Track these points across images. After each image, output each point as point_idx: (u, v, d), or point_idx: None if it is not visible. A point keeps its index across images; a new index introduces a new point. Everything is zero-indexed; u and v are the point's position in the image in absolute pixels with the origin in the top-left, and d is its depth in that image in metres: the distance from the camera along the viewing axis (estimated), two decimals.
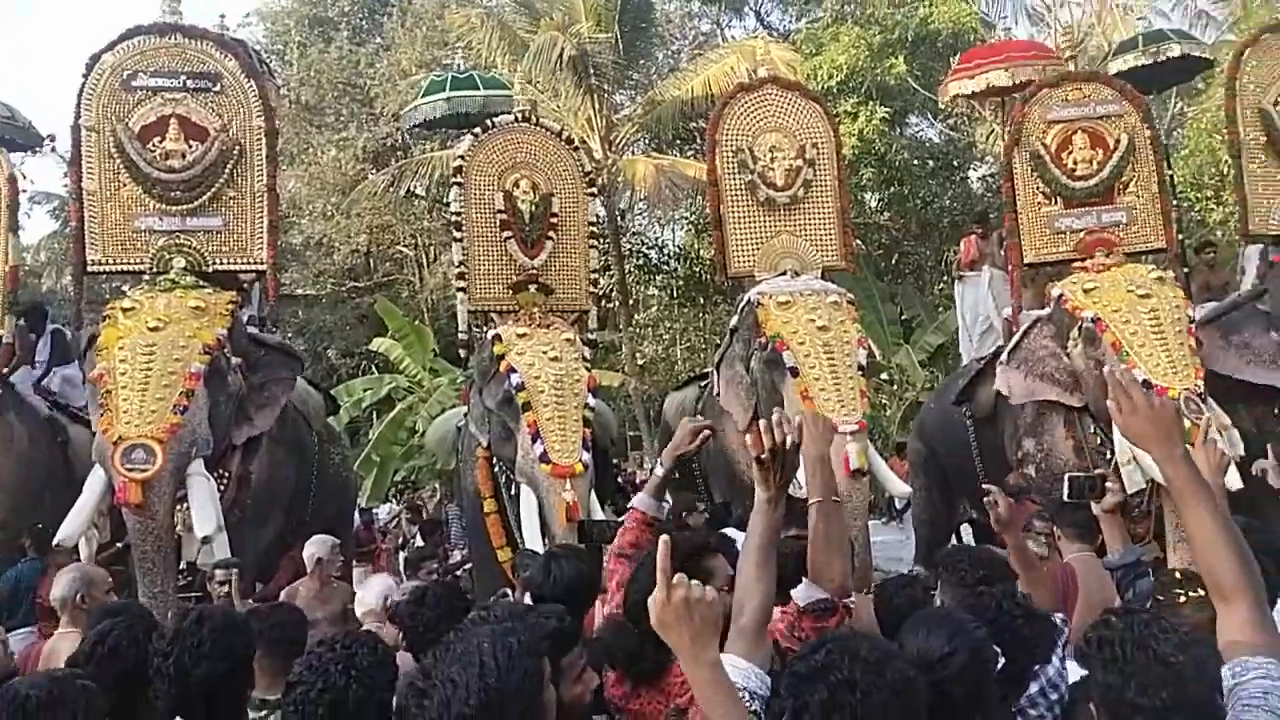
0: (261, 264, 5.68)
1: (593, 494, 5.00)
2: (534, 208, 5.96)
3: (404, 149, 17.15)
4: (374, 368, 16.71)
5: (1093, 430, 5.35)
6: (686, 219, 16.66)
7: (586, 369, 5.41)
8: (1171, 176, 6.12)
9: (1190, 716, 1.44)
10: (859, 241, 15.88)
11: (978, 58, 7.13)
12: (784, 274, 5.93)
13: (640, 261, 17.24)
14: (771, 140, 6.09)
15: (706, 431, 2.67)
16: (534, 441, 5.01)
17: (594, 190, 6.37)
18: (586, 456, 5.03)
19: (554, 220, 6.01)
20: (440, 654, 1.42)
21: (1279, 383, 5.31)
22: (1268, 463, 4.19)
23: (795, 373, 5.21)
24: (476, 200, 5.93)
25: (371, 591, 4.35)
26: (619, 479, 10.16)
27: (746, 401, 5.61)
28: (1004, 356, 5.81)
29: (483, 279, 5.92)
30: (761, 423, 1.91)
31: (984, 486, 2.91)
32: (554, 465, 4.92)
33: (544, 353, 5.29)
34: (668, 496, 2.90)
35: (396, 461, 14.37)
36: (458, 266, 5.98)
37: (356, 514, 8.72)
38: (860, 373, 5.32)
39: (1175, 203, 7.44)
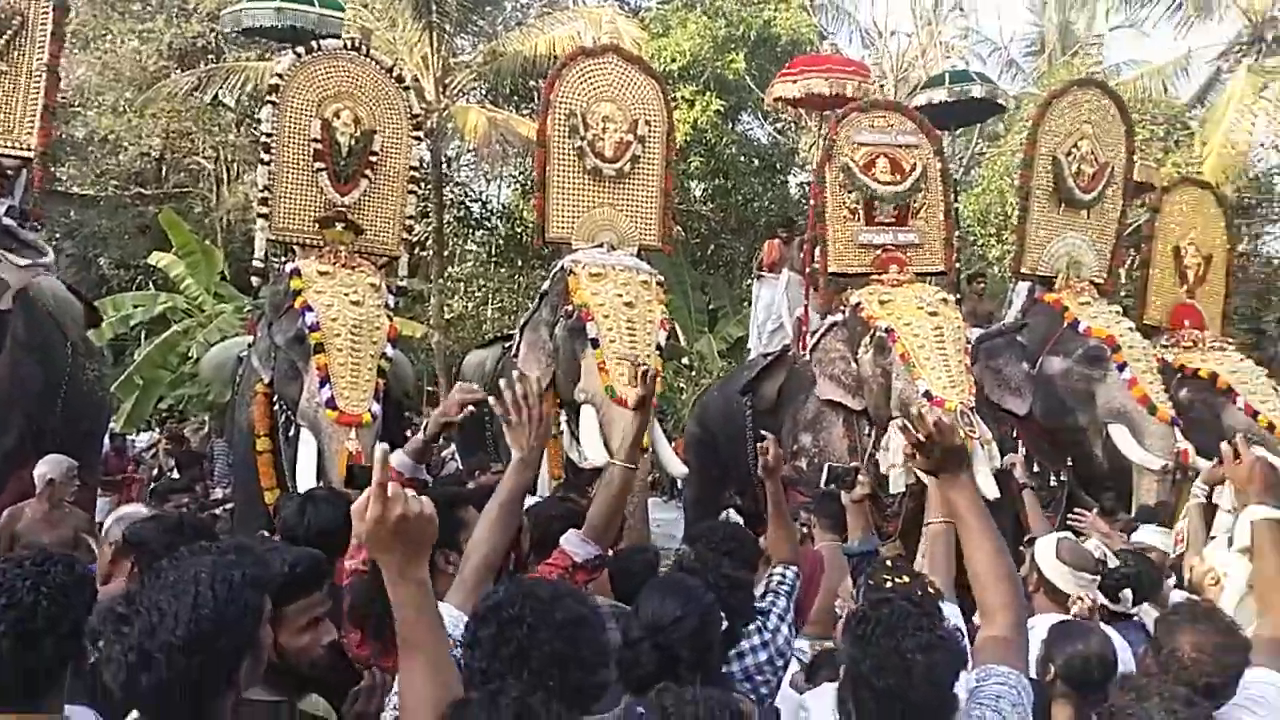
0: (28, 150, 5.12)
1: (378, 446, 4.79)
2: (353, 142, 5.68)
3: (216, 52, 15.78)
4: (151, 284, 15.34)
5: (868, 432, 5.73)
6: (514, 178, 16.35)
7: (389, 317, 5.22)
8: (957, 209, 6.59)
9: (909, 707, 1.55)
10: (679, 228, 16.21)
11: (803, 65, 7.41)
12: (600, 246, 5.94)
13: (460, 214, 16.78)
14: (606, 110, 6.06)
15: (472, 405, 2.61)
16: (322, 386, 4.79)
17: (420, 135, 6.15)
18: (376, 407, 4.87)
19: (373, 159, 5.75)
20: (150, 580, 1.31)
21: (1018, 410, 5.89)
22: (1016, 457, 4.90)
23: (595, 344, 5.25)
24: (291, 124, 5.59)
25: (120, 523, 4.00)
26: (411, 433, 9.89)
27: (545, 367, 5.58)
28: (806, 353, 6.12)
29: (287, 208, 5.59)
30: (502, 382, 1.96)
31: (761, 443, 3.05)
32: (340, 412, 4.73)
33: (345, 294, 5.07)
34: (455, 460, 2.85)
35: (163, 388, 13.23)
36: (261, 191, 5.62)
37: (108, 439, 8.01)
38: (658, 353, 5.41)
39: (959, 234, 8.05)
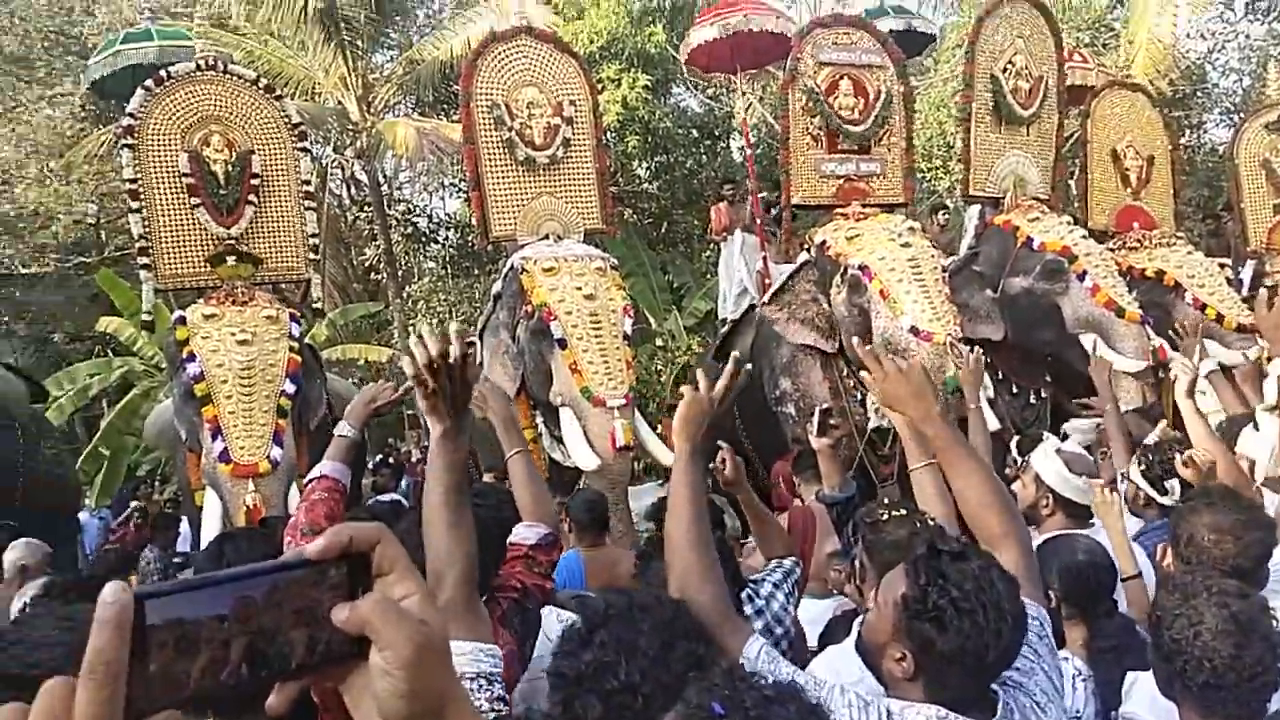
0: None
1: (294, 489, 4.57)
2: (229, 168, 5.38)
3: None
4: (109, 351, 15.00)
5: (846, 373, 5.64)
6: (455, 186, 16.15)
7: (292, 349, 4.96)
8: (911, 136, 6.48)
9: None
10: (629, 210, 16.10)
11: (718, 10, 7.22)
12: (546, 238, 5.79)
13: (409, 231, 16.56)
14: (528, 95, 5.89)
15: (390, 396, 2.53)
16: (214, 438, 4.59)
17: (305, 145, 5.82)
18: (277, 452, 4.63)
19: (255, 182, 5.46)
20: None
21: (994, 335, 5.83)
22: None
23: (564, 344, 5.08)
24: (155, 163, 5.27)
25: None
26: (389, 459, 9.72)
27: (513, 371, 5.44)
28: (766, 298, 6.00)
29: (170, 253, 5.30)
30: (411, 340, 1.66)
31: (719, 444, 2.94)
32: (234, 464, 4.52)
33: (232, 335, 4.84)
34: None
35: (131, 455, 12.95)
36: (138, 240, 5.30)
37: (88, 515, 7.75)
38: (626, 342, 5.26)
39: None
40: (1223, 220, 8.51)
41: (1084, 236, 6.15)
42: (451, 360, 1.57)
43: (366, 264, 16.56)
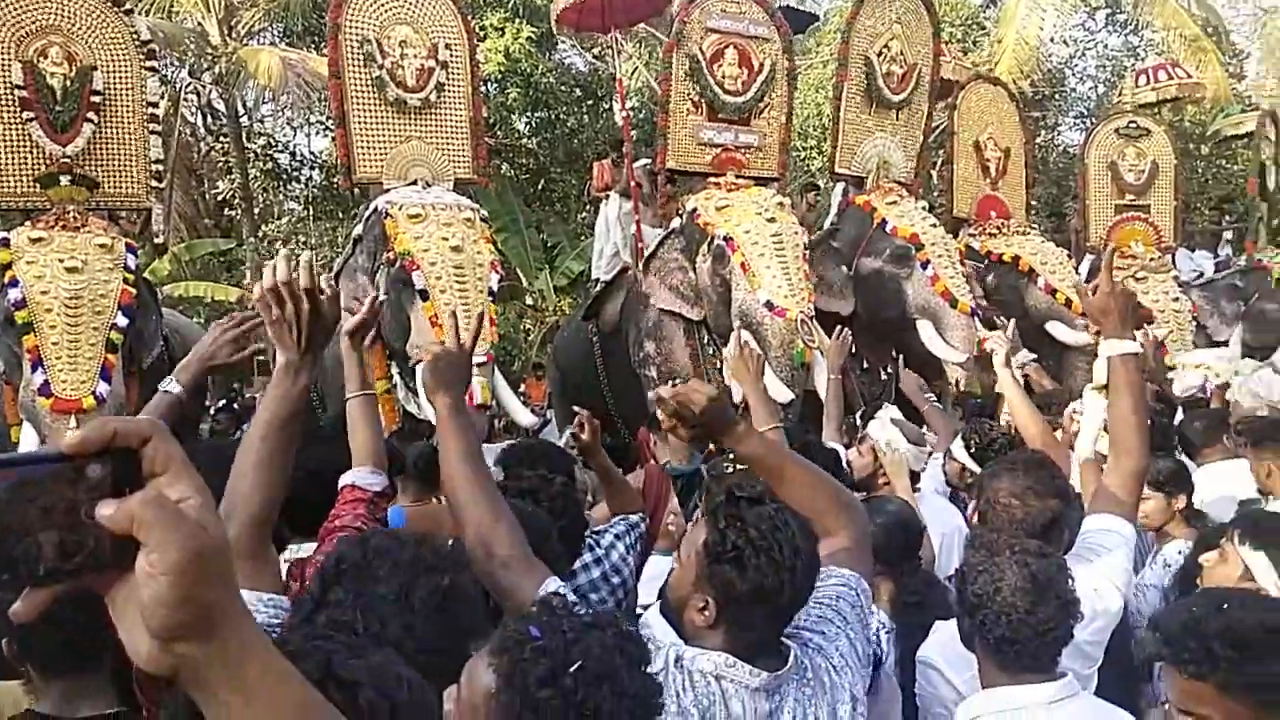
0: None
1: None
2: (68, 83, 4.93)
3: None
4: None
5: (707, 340, 5.71)
6: (321, 123, 15.39)
7: (126, 280, 4.63)
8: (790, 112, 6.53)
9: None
10: (506, 164, 15.75)
11: None
12: (415, 183, 5.56)
13: (268, 166, 15.68)
14: (402, 34, 5.60)
15: (227, 356, 2.34)
16: (34, 370, 4.27)
17: (154, 65, 5.40)
18: (104, 388, 4.33)
19: (95, 99, 5.02)
20: None
21: (843, 310, 6.01)
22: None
23: (425, 296, 4.87)
24: None
25: None
26: (233, 403, 9.27)
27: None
28: (641, 265, 5.98)
29: None
30: (265, 267, 1.57)
31: (574, 409, 2.97)
32: (55, 399, 4.22)
33: (60, 261, 4.48)
34: None
35: None
36: None
37: None
38: (491, 298, 5.11)
39: None
40: (1065, 218, 9.05)
41: (934, 225, 6.34)
42: (303, 287, 1.51)
43: (220, 198, 15.61)
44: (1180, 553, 2.88)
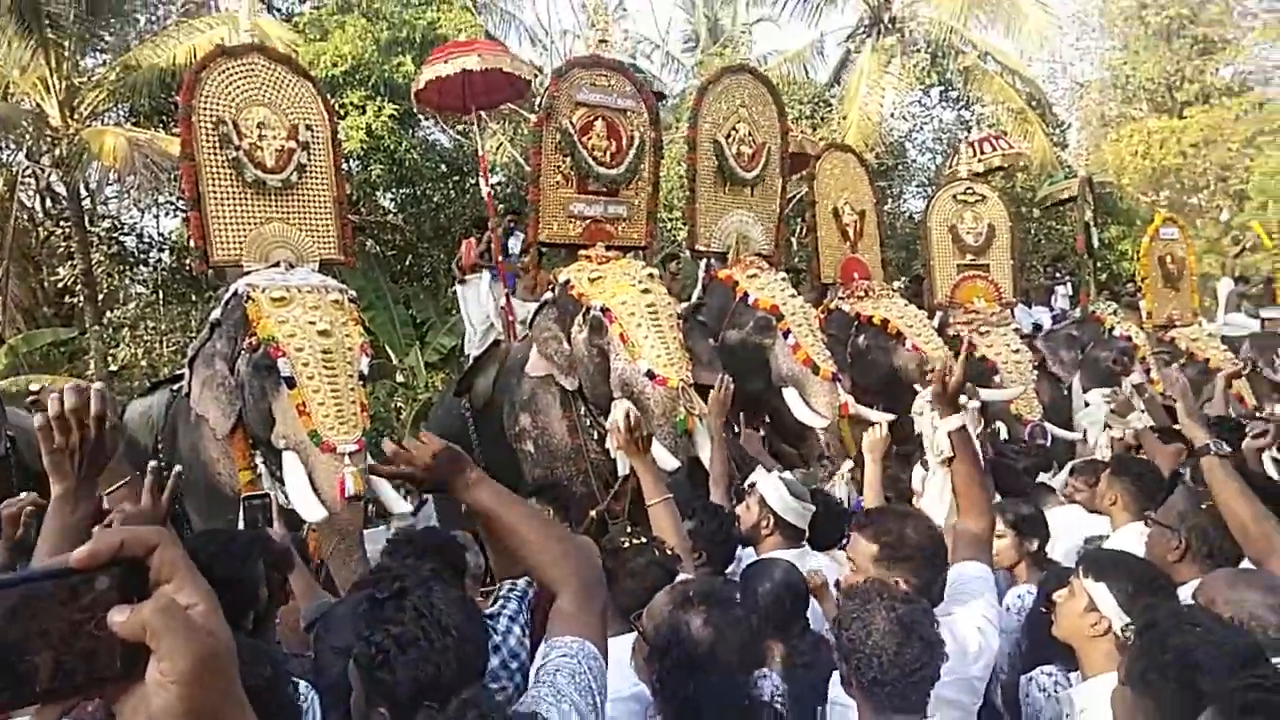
0: None
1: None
2: None
3: None
4: None
5: (584, 411, 5.70)
6: (171, 204, 14.80)
7: None
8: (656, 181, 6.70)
9: None
10: (371, 241, 15.51)
11: (450, 49, 7.16)
12: (277, 265, 5.39)
13: (113, 250, 14.91)
14: (259, 115, 5.47)
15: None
16: None
17: None
18: None
19: None
20: None
21: (712, 381, 6.12)
22: None
23: (291, 383, 4.66)
24: None
25: None
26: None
27: (229, 406, 4.95)
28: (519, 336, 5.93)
29: None
30: (51, 402, 1.51)
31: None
32: None
33: None
34: None
35: None
36: None
37: None
38: (362, 383, 4.93)
39: None
40: (921, 279, 9.58)
41: (793, 296, 6.57)
42: (94, 415, 1.47)
43: (60, 285, 14.70)
44: (1020, 597, 3.05)
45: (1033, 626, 2.69)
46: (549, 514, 3.00)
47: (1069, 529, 3.74)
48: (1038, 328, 9.82)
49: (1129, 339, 8.65)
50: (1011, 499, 3.55)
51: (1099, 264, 9.50)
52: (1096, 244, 9.63)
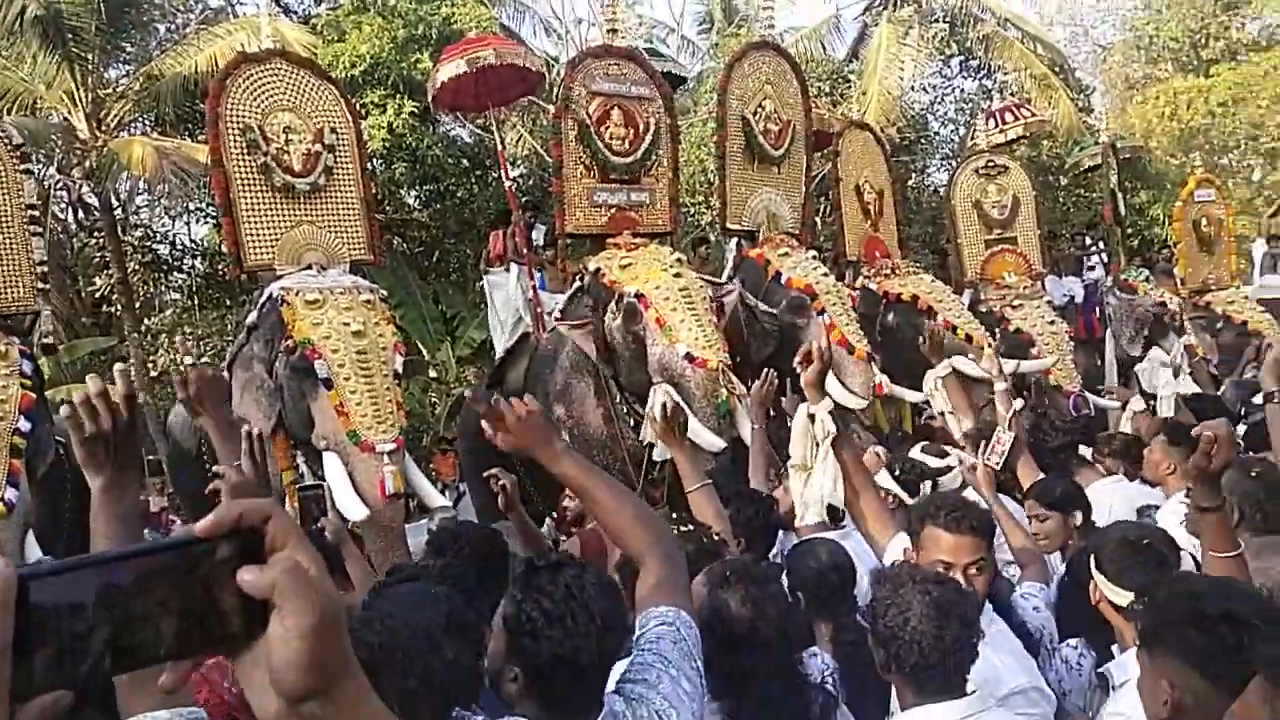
0: None
1: (30, 538, 4.21)
2: None
3: None
4: None
5: (619, 399, 5.72)
6: (201, 210, 14.99)
7: (22, 385, 4.51)
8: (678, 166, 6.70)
9: None
10: (399, 239, 15.62)
11: (464, 46, 7.19)
12: (309, 268, 5.47)
13: (147, 259, 15.15)
14: (285, 120, 5.54)
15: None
16: None
17: (28, 168, 5.29)
18: (13, 494, 4.21)
19: None
20: None
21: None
22: None
23: (329, 384, 4.77)
24: None
25: None
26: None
27: (269, 408, 5.07)
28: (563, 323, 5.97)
29: None
30: (85, 388, 1.53)
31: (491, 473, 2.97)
32: None
33: None
34: None
35: None
36: None
37: None
38: (396, 381, 5.03)
39: None
40: (947, 255, 9.50)
41: (826, 275, 6.56)
42: (121, 395, 1.48)
43: (97, 295, 14.97)
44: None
45: (1062, 599, 2.69)
46: None
47: (1122, 500, 3.73)
48: (1071, 299, 9.71)
49: (1163, 304, 8.55)
50: (1041, 480, 3.52)
51: (1129, 231, 9.34)
52: (1124, 210, 9.48)
